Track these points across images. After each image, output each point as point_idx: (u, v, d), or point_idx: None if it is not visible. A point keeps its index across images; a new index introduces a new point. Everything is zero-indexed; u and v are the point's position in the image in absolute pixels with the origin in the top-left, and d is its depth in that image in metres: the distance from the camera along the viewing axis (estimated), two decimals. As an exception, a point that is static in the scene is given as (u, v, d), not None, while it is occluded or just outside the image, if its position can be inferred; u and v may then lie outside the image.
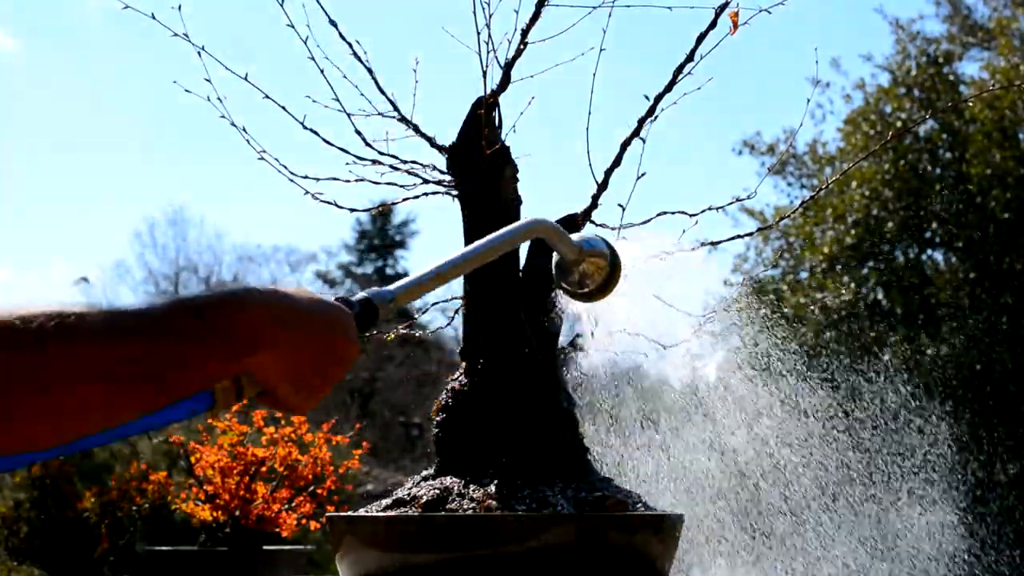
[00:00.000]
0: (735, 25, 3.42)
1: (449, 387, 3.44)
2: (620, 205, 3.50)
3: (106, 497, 11.45)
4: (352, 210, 3.82)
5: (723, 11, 3.44)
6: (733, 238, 3.84)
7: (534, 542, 3.03)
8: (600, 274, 2.13)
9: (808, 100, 4.09)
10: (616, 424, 3.73)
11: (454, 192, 3.54)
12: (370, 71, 3.56)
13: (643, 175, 3.45)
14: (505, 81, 3.50)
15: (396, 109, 3.58)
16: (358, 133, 3.58)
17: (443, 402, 3.42)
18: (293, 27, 3.59)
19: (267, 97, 3.62)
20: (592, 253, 2.11)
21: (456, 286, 3.53)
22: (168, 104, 43.34)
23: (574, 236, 2.16)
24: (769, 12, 3.44)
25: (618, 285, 2.14)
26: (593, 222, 3.55)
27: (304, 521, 8.03)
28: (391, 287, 1.52)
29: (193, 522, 8.18)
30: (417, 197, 3.65)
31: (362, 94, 3.56)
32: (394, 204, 3.83)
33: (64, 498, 11.80)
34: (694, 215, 3.58)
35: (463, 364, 3.47)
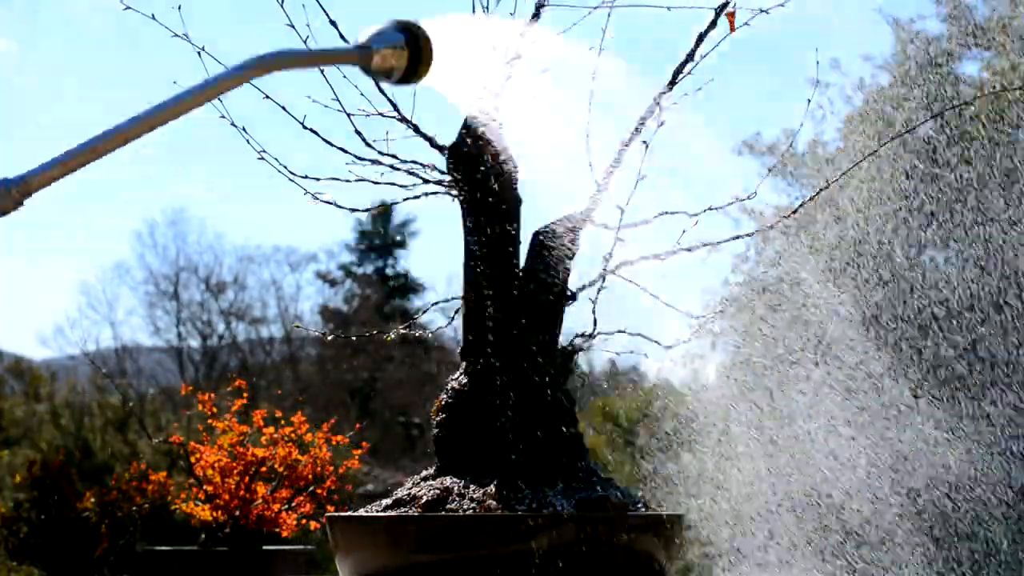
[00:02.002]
0: (732, 26, 3.43)
1: (449, 387, 3.44)
2: (619, 207, 3.50)
3: (106, 497, 11.44)
4: (352, 210, 3.82)
5: (723, 11, 3.45)
6: (733, 238, 3.84)
7: (534, 542, 3.03)
8: (401, 59, 2.04)
9: (808, 100, 4.08)
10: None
11: (454, 192, 3.54)
12: (370, 71, 3.56)
13: (643, 177, 3.46)
14: (505, 81, 3.50)
15: (396, 109, 3.58)
16: (358, 133, 3.58)
17: (443, 402, 3.43)
18: (293, 27, 3.59)
19: (267, 97, 3.62)
20: (382, 47, 2.02)
21: (456, 286, 3.53)
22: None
23: (362, 34, 2.04)
24: (767, 12, 3.44)
25: (433, 57, 2.05)
26: (593, 222, 3.55)
27: (304, 521, 8.03)
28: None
29: (193, 522, 8.18)
30: (417, 197, 3.65)
31: (362, 94, 3.57)
32: (394, 204, 3.83)
33: (64, 498, 11.79)
34: (694, 215, 3.58)
35: (463, 364, 3.47)
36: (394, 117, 3.58)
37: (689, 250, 3.58)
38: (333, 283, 34.24)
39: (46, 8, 40.40)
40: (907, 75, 18.15)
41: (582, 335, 3.55)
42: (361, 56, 2.03)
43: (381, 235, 33.79)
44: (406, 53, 2.05)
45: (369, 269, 34.11)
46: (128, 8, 3.56)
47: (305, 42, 3.58)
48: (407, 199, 3.68)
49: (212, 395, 8.30)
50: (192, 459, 7.99)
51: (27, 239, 42.48)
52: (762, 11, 3.44)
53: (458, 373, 3.45)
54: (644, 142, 3.47)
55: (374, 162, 3.61)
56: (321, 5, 3.56)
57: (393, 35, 2.04)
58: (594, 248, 3.55)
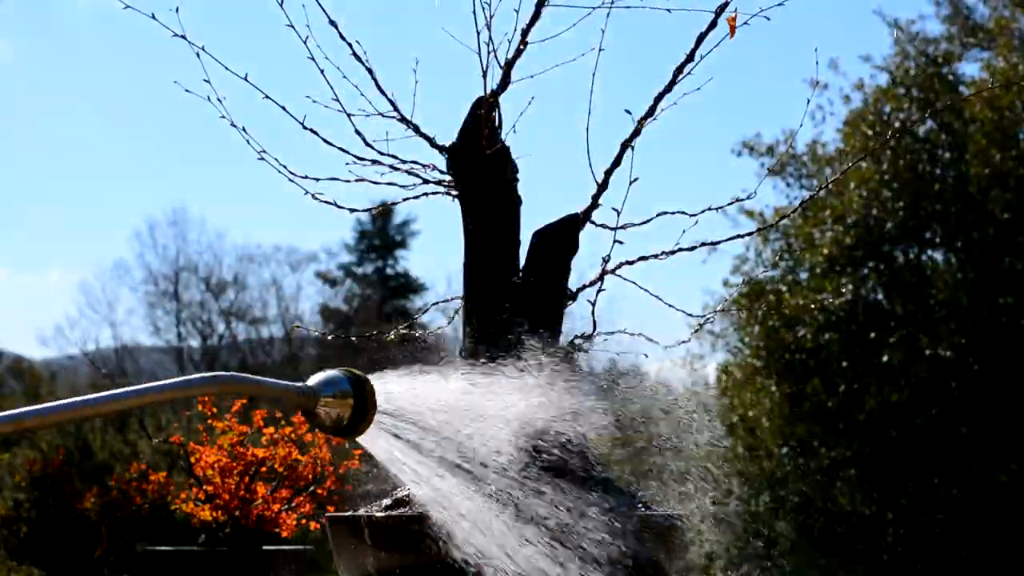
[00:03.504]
0: (732, 29, 3.43)
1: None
2: (615, 209, 3.50)
3: (106, 497, 11.45)
4: (352, 210, 3.82)
5: (723, 11, 3.44)
6: (733, 238, 3.84)
7: (534, 542, 3.02)
8: (346, 408, 2.05)
9: (808, 101, 4.08)
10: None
11: (454, 192, 3.54)
12: (370, 71, 3.56)
13: (635, 180, 3.46)
14: (505, 81, 3.50)
15: (396, 109, 3.58)
16: (358, 133, 3.58)
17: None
18: (293, 27, 3.59)
19: (267, 97, 3.62)
20: (333, 395, 2.04)
21: (456, 286, 3.53)
22: (168, 104, 43.32)
23: (312, 378, 2.05)
24: (768, 19, 3.44)
25: (377, 408, 2.06)
26: (593, 222, 3.55)
27: (304, 521, 8.03)
28: None
29: (193, 522, 8.17)
30: (417, 197, 3.65)
31: (362, 94, 3.56)
32: (394, 204, 3.83)
33: (64, 498, 11.80)
34: (694, 215, 3.58)
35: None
36: (394, 117, 3.59)
37: (689, 250, 3.58)
38: (333, 283, 34.27)
39: (45, 9, 40.37)
40: (906, 74, 18.14)
41: (582, 335, 3.55)
42: (307, 399, 2.02)
43: (381, 235, 33.80)
44: (351, 403, 2.05)
45: (369, 269, 34.11)
46: (128, 7, 3.56)
47: (305, 42, 3.58)
48: (407, 199, 3.68)
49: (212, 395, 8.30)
50: (192, 459, 7.98)
51: (27, 239, 42.47)
52: (762, 11, 3.44)
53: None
54: (632, 148, 3.48)
55: (374, 162, 3.61)
56: (321, 5, 3.56)
57: (342, 384, 2.06)
58: (594, 248, 3.55)
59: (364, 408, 2.06)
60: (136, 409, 1.84)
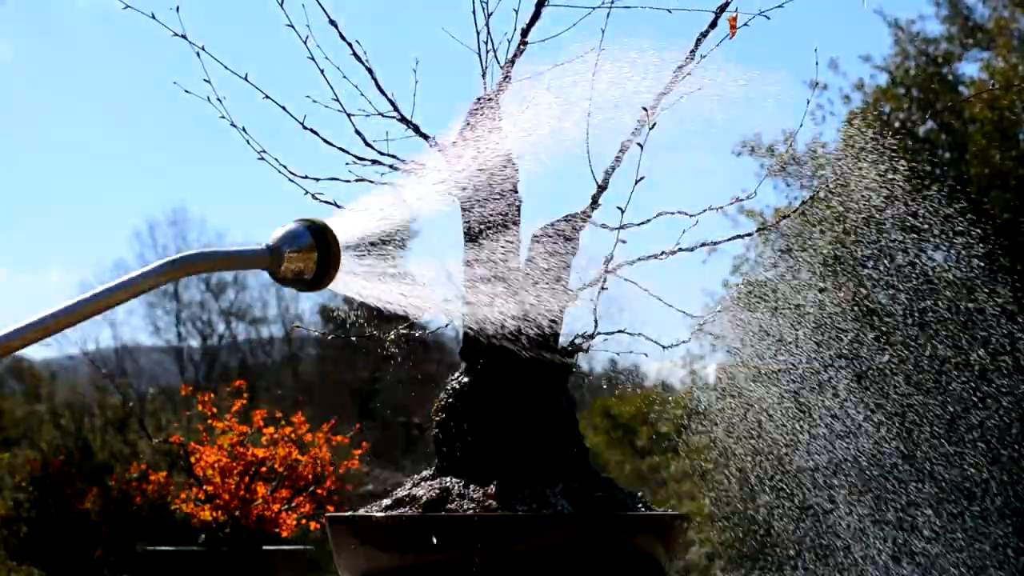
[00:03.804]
0: (733, 30, 3.43)
1: (449, 387, 3.44)
2: (619, 208, 3.50)
3: (106, 497, 11.46)
4: (352, 210, 3.82)
5: (723, 11, 3.45)
6: (733, 238, 3.84)
7: (534, 542, 3.03)
8: (310, 263, 2.05)
9: (808, 101, 4.08)
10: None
11: (454, 192, 3.54)
12: (370, 71, 3.57)
13: (642, 178, 3.45)
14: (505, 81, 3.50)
15: (396, 109, 3.58)
16: (358, 133, 3.58)
17: (443, 402, 3.42)
18: (293, 27, 3.59)
19: (267, 97, 3.62)
20: (292, 251, 2.03)
21: (457, 285, 3.53)
22: (168, 104, 43.32)
23: (272, 236, 2.05)
24: (768, 18, 3.44)
25: (341, 259, 2.06)
26: (593, 222, 3.55)
27: (304, 521, 8.04)
28: None
29: (193, 522, 8.19)
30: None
31: (362, 94, 3.56)
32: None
33: (64, 498, 11.80)
34: (694, 215, 3.58)
35: (463, 364, 3.47)
36: (394, 117, 3.59)
37: (689, 250, 3.58)
38: (333, 283, 34.26)
39: (45, 9, 40.38)
40: (906, 74, 18.14)
41: (582, 335, 3.55)
42: (272, 259, 2.01)
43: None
44: (315, 255, 2.04)
45: (369, 269, 34.05)
46: (128, 7, 3.56)
47: (305, 42, 3.58)
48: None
49: (212, 395, 8.31)
50: (192, 459, 7.99)
51: (27, 239, 42.47)
52: (762, 12, 3.44)
53: (458, 373, 3.45)
54: (639, 144, 3.47)
55: (374, 162, 3.61)
56: (321, 5, 3.57)
57: (303, 237, 2.04)
58: (594, 248, 3.55)
59: (327, 257, 2.06)
60: (107, 309, 1.83)
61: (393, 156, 3.60)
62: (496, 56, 3.48)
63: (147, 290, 1.97)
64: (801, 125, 4.04)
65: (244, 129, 3.66)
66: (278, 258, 2.04)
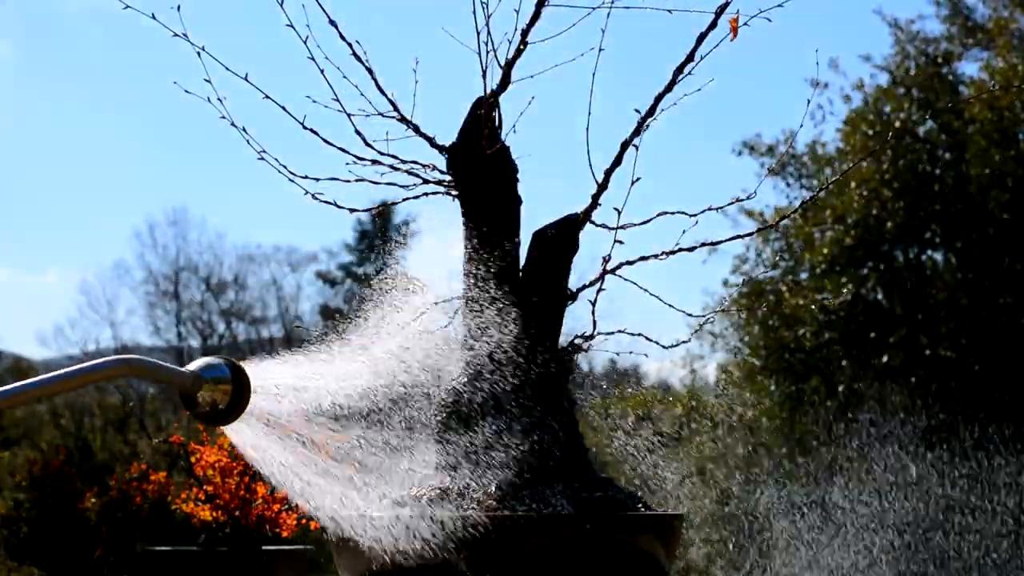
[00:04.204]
0: (735, 31, 3.43)
1: (449, 387, 3.44)
2: (616, 209, 3.50)
3: (106, 497, 11.45)
4: (352, 210, 3.83)
5: (723, 11, 3.45)
6: (733, 238, 3.84)
7: (534, 542, 3.03)
8: (225, 397, 2.20)
9: (808, 101, 4.09)
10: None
11: (454, 192, 3.54)
12: (370, 71, 3.57)
13: (638, 179, 3.46)
14: (505, 81, 3.51)
15: (396, 109, 3.58)
16: (358, 133, 3.59)
17: (443, 402, 3.42)
18: (293, 27, 3.59)
19: (267, 97, 3.62)
20: (213, 380, 2.18)
21: (457, 285, 3.53)
22: (168, 104, 43.30)
23: (192, 364, 2.21)
24: (769, 20, 3.44)
25: (249, 404, 2.21)
26: (593, 222, 3.56)
27: (304, 521, 8.03)
28: None
29: (193, 522, 8.18)
30: (417, 197, 3.66)
31: (362, 94, 3.56)
32: (394, 204, 3.84)
33: (64, 498, 11.81)
34: (694, 215, 3.58)
35: (463, 364, 3.47)
36: (394, 117, 3.59)
37: (689, 250, 3.58)
38: (333, 283, 34.26)
39: (44, 9, 40.41)
40: (906, 74, 18.14)
41: (582, 335, 3.55)
42: (193, 383, 2.20)
43: (381, 235, 33.80)
44: (230, 390, 2.21)
45: (369, 269, 34.11)
46: (128, 7, 3.56)
47: (305, 42, 3.58)
48: (407, 199, 3.68)
49: (212, 395, 8.28)
50: (192, 459, 7.99)
51: (27, 239, 42.47)
52: (762, 12, 3.44)
53: (458, 373, 3.45)
54: (636, 146, 3.48)
55: (374, 162, 3.61)
56: (321, 5, 3.57)
57: (221, 370, 2.22)
58: (594, 248, 3.56)
59: (240, 394, 2.19)
60: (49, 396, 1.97)
61: (393, 156, 3.60)
62: (496, 56, 3.48)
63: (90, 383, 2.17)
64: (801, 125, 4.04)
65: (244, 129, 3.66)
66: (198, 384, 2.21)
